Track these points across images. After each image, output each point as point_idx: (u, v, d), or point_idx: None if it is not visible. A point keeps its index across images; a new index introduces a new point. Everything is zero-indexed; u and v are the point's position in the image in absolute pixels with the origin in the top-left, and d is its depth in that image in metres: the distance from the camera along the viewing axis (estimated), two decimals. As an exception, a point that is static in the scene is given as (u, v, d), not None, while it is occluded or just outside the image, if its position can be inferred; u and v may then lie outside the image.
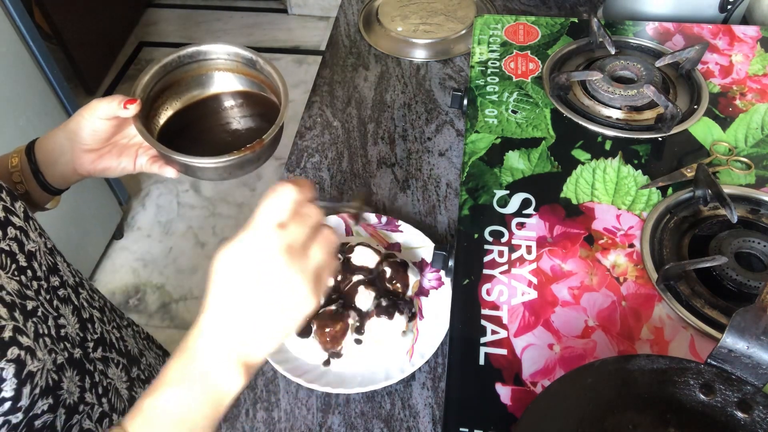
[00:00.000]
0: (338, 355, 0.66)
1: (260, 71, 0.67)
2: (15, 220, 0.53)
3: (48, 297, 0.54)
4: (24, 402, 0.47)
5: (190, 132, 0.68)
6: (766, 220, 0.61)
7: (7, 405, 0.46)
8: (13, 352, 0.46)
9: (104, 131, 0.61)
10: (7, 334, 0.46)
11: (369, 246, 0.70)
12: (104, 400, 0.59)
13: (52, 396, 0.51)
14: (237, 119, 0.70)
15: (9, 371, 0.46)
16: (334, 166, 0.88)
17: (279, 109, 0.63)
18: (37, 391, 0.49)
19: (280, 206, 0.41)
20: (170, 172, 0.64)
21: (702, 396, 0.43)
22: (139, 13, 2.83)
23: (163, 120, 0.68)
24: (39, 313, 0.52)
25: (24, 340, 0.48)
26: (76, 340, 0.57)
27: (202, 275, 1.86)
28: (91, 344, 0.59)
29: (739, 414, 0.41)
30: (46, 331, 0.52)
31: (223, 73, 0.69)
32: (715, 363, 0.43)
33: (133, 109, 0.59)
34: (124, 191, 2.00)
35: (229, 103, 0.70)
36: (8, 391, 0.46)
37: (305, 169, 0.88)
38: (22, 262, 0.52)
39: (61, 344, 0.54)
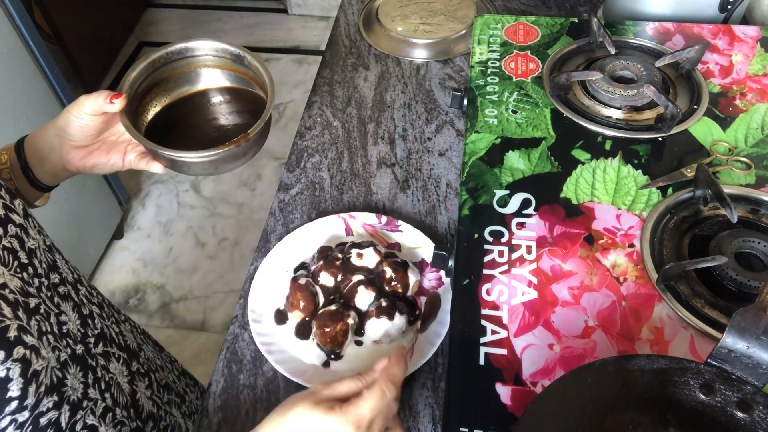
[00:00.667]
0: (338, 356, 0.66)
1: (248, 67, 0.67)
2: (15, 217, 0.53)
3: (49, 294, 0.55)
4: (30, 400, 0.48)
5: (178, 128, 0.69)
6: (766, 220, 0.61)
7: (14, 404, 0.46)
8: (18, 351, 0.46)
9: (92, 127, 0.61)
10: (12, 333, 0.47)
11: (370, 245, 0.70)
12: (107, 395, 0.59)
13: (57, 393, 0.51)
14: (225, 115, 0.70)
15: (15, 371, 0.46)
16: (334, 166, 0.88)
17: (266, 104, 0.63)
18: (43, 389, 0.49)
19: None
20: (157, 167, 0.64)
21: (702, 396, 0.43)
22: (139, 13, 2.83)
23: (151, 116, 0.68)
24: (41, 311, 0.52)
25: (29, 339, 0.48)
26: (77, 336, 0.57)
27: (202, 275, 1.87)
28: (92, 340, 0.60)
29: (739, 414, 0.41)
30: (48, 329, 0.52)
31: (211, 69, 0.69)
32: (715, 363, 0.43)
33: (119, 103, 0.59)
34: (124, 191, 2.00)
35: (217, 99, 0.70)
36: (15, 391, 0.46)
37: (305, 169, 0.88)
38: (24, 260, 0.53)
39: (64, 341, 0.54)
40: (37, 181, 0.63)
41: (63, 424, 0.52)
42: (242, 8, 2.87)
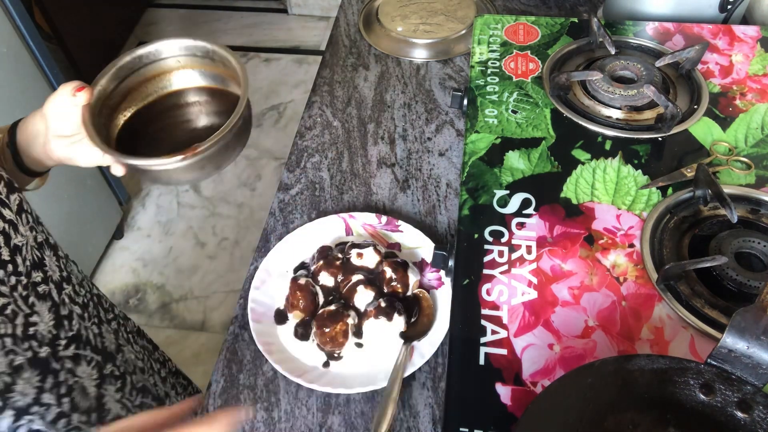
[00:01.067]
0: (338, 357, 0.66)
1: (226, 65, 0.64)
2: (6, 212, 0.53)
3: (24, 293, 0.54)
4: None
5: (151, 131, 0.66)
6: (766, 220, 0.61)
7: None
8: None
9: (73, 115, 0.59)
10: None
11: (370, 246, 0.70)
12: (65, 400, 0.58)
13: (1, 398, 0.50)
14: (201, 117, 0.68)
15: None
16: (334, 166, 0.88)
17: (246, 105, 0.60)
18: None
19: None
20: (118, 170, 0.62)
21: (702, 396, 0.43)
22: (139, 13, 2.83)
23: (125, 119, 0.66)
24: (8, 311, 0.52)
25: None
26: (46, 338, 0.56)
27: (202, 275, 1.87)
28: (63, 342, 0.59)
29: (739, 414, 0.41)
30: (9, 331, 0.52)
31: (187, 69, 0.67)
32: (715, 363, 0.43)
33: (82, 96, 0.57)
34: (124, 191, 2.00)
35: (192, 99, 0.68)
36: None
37: (305, 169, 0.88)
38: (5, 256, 0.52)
39: (26, 344, 0.54)
40: (24, 166, 0.62)
41: (5, 429, 0.51)
42: (242, 8, 2.87)
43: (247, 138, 0.63)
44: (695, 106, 0.74)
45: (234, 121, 0.58)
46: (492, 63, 0.82)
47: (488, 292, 0.57)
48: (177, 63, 0.67)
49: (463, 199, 0.65)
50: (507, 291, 0.57)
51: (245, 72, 0.61)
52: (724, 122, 0.71)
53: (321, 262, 0.70)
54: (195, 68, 0.67)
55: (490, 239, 0.61)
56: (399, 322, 0.65)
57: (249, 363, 0.67)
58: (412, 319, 0.67)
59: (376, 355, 0.65)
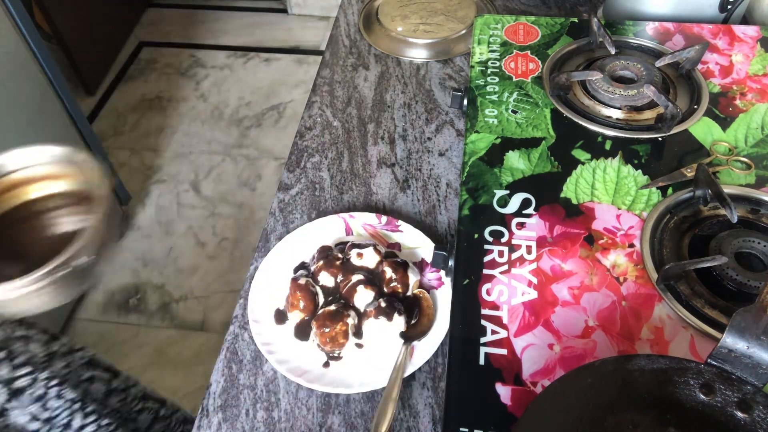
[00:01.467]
0: (338, 357, 0.66)
1: (80, 168, 0.59)
2: None
3: None
4: None
5: (8, 244, 0.60)
6: (766, 220, 0.61)
7: None
8: None
9: None
10: None
11: (370, 245, 0.70)
12: None
13: None
14: (66, 224, 0.61)
15: None
16: (334, 166, 0.88)
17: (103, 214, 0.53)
18: None
19: None
20: None
21: (702, 396, 0.43)
22: (139, 13, 2.83)
23: None
24: None
25: None
26: None
27: (202, 275, 1.87)
28: None
29: (739, 414, 0.41)
30: None
31: (50, 180, 0.60)
32: (715, 363, 0.43)
33: None
34: (125, 191, 2.00)
35: (51, 206, 0.61)
36: None
37: (305, 169, 0.88)
38: None
39: None
40: None
41: None
42: (242, 8, 2.87)
43: (112, 247, 0.57)
44: (695, 106, 0.74)
45: (88, 236, 0.51)
46: (492, 63, 0.82)
47: (488, 292, 0.57)
48: (35, 172, 0.60)
49: (463, 199, 0.65)
50: (507, 291, 0.57)
51: (106, 184, 0.56)
52: (724, 122, 0.71)
53: (321, 262, 0.70)
54: (59, 177, 0.61)
55: (490, 239, 0.61)
56: (399, 322, 0.65)
57: (249, 363, 0.68)
58: (413, 320, 0.67)
59: (376, 355, 0.65)
